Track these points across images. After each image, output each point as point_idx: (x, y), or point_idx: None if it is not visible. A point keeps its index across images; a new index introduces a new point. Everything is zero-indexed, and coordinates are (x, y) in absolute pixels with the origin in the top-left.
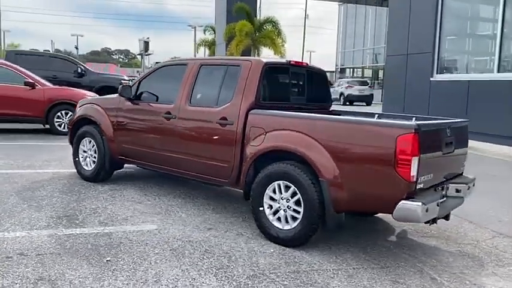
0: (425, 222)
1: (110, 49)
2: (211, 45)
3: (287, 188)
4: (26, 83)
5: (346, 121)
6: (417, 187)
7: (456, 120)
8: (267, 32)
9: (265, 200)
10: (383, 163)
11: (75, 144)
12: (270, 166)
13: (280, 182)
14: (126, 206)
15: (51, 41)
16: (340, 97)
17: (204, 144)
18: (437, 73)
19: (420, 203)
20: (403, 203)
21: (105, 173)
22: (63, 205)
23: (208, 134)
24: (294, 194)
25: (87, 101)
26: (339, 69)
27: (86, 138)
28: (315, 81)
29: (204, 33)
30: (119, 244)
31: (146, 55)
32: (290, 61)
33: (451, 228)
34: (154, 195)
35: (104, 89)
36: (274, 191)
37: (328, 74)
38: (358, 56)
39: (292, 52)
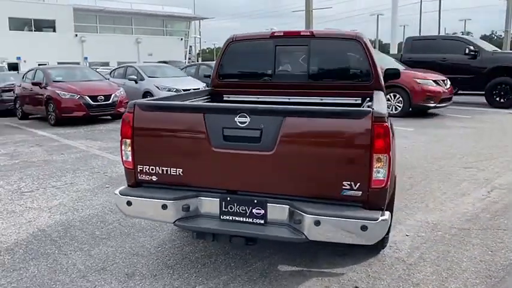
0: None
1: None
2: None
3: None
4: None
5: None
6: (139, 177)
7: (285, 108)
8: None
9: None
10: None
11: None
12: None
13: None
14: None
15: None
16: None
17: None
18: None
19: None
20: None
21: None
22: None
23: None
24: None
25: None
26: None
27: None
28: (333, 54)
29: None
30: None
31: None
32: (274, 32)
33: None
34: None
35: (498, 70)
36: None
37: None
38: None
39: None
